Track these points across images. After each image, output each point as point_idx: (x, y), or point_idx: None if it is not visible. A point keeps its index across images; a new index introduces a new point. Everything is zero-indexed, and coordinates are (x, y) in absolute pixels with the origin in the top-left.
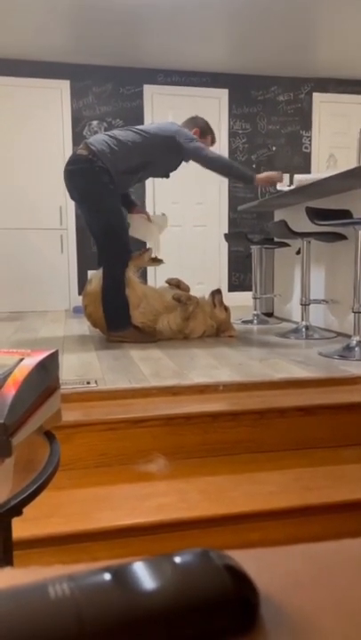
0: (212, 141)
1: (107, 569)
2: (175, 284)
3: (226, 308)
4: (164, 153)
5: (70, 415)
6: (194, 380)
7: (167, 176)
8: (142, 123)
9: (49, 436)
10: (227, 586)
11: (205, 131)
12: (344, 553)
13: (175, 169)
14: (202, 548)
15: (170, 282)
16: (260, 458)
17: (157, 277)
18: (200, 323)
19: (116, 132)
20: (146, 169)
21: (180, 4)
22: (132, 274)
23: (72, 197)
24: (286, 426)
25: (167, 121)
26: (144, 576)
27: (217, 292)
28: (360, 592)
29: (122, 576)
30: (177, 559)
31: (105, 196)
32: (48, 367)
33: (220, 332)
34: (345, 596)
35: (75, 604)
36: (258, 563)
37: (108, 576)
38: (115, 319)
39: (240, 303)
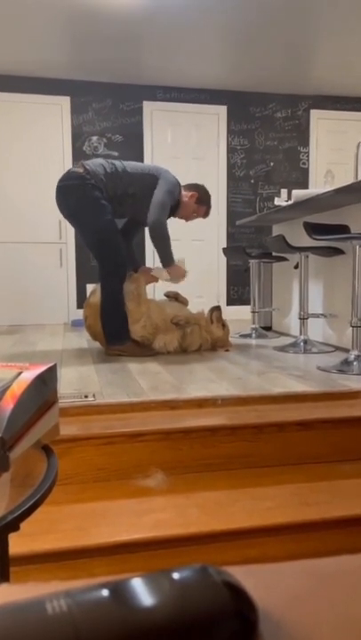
0: (205, 214)
1: (104, 585)
2: (173, 296)
3: (224, 325)
4: (148, 191)
5: (68, 429)
6: (192, 394)
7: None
8: (142, 139)
9: (47, 450)
10: (225, 602)
11: (204, 200)
12: (343, 568)
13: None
14: (200, 563)
15: (168, 294)
16: (258, 473)
17: (156, 289)
18: (197, 337)
19: (114, 160)
20: (131, 202)
21: (179, 21)
22: (142, 289)
23: (63, 214)
24: (285, 440)
25: (168, 171)
26: (142, 592)
27: (215, 309)
28: (358, 607)
29: (119, 592)
30: (175, 575)
31: (97, 211)
32: (46, 381)
33: (216, 346)
34: (344, 612)
35: (72, 620)
36: (257, 579)
37: (105, 592)
38: (113, 333)
39: (239, 317)
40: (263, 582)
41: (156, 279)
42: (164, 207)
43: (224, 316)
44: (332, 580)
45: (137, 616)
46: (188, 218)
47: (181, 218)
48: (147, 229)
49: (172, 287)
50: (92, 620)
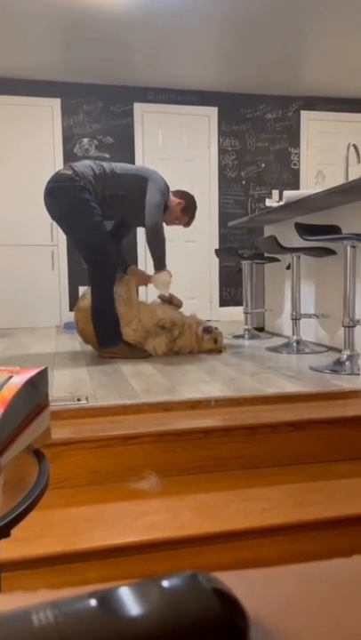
0: (187, 224)
1: (92, 595)
2: (167, 298)
3: (216, 341)
4: (137, 194)
5: (61, 432)
6: (185, 395)
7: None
8: (133, 140)
9: (38, 454)
10: (215, 610)
11: (189, 209)
12: (336, 573)
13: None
14: (191, 570)
15: (162, 297)
16: (252, 474)
17: (149, 291)
18: (187, 340)
19: (102, 162)
20: (121, 204)
21: (170, 23)
22: (132, 292)
23: (52, 216)
24: (278, 441)
25: (157, 172)
26: (130, 601)
27: (206, 332)
28: (352, 615)
29: (107, 602)
30: (164, 583)
31: (87, 213)
32: (37, 385)
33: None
34: (335, 620)
35: (58, 631)
36: (248, 585)
37: (93, 602)
38: (105, 336)
39: (231, 318)
40: (254, 588)
41: (146, 282)
42: (160, 207)
43: (217, 317)
44: (325, 586)
45: (125, 626)
46: (169, 222)
47: (163, 222)
48: (139, 230)
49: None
50: (78, 631)
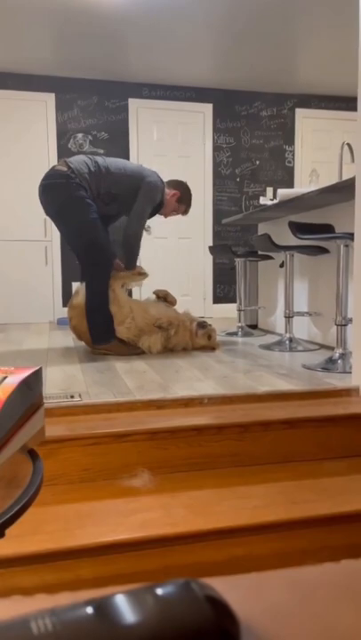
0: (184, 212)
1: (89, 602)
2: (163, 296)
3: (210, 336)
4: (131, 194)
5: (54, 430)
6: (178, 393)
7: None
8: (127, 136)
9: (32, 454)
10: (208, 617)
11: (184, 199)
12: (326, 579)
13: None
14: (184, 578)
15: (158, 294)
16: (245, 471)
17: (143, 288)
18: (181, 338)
19: (97, 157)
20: (115, 202)
21: (165, 19)
22: (118, 291)
23: (47, 213)
24: (271, 439)
25: (154, 170)
26: (126, 609)
27: (200, 327)
28: (343, 620)
29: (104, 610)
30: (159, 591)
31: (83, 210)
32: (31, 385)
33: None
34: (327, 625)
35: (57, 639)
36: (240, 590)
37: (90, 610)
38: (99, 333)
39: (225, 315)
40: (247, 594)
41: (132, 279)
42: (144, 217)
43: (211, 314)
44: (316, 592)
45: (121, 633)
46: (167, 215)
47: (160, 214)
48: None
49: (163, 285)
50: (76, 639)
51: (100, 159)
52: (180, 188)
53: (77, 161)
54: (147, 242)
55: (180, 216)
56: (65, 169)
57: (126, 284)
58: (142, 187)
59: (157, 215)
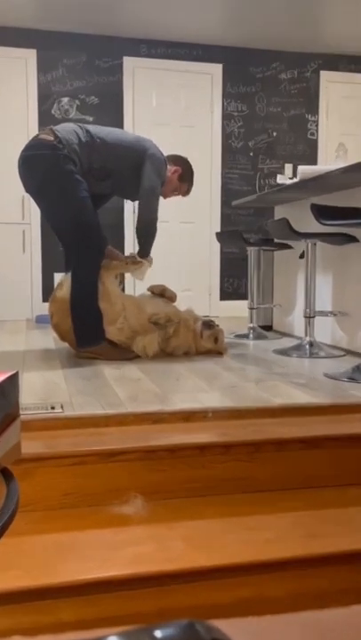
0: (186, 192)
1: None
2: (160, 292)
3: (217, 339)
4: (130, 170)
5: (31, 446)
6: (178, 405)
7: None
8: (121, 101)
9: (5, 474)
10: None
11: (186, 177)
12: (350, 623)
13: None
14: (187, 619)
15: (153, 290)
16: (255, 498)
17: (137, 283)
18: (183, 339)
19: (88, 126)
20: (109, 180)
21: None
22: (109, 284)
23: (27, 189)
24: (286, 461)
25: (155, 145)
26: None
27: (207, 327)
28: None
29: None
30: (158, 633)
31: (71, 186)
32: (6, 392)
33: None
34: None
35: None
36: (250, 635)
37: None
38: (85, 332)
39: (234, 314)
40: (257, 639)
41: (123, 268)
42: (158, 195)
43: (217, 313)
44: (337, 638)
45: None
46: (167, 195)
47: (160, 194)
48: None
49: (159, 280)
50: None
51: (92, 128)
52: (182, 163)
53: (66, 130)
54: None
55: (180, 197)
56: (51, 138)
57: (125, 274)
58: (147, 161)
59: None
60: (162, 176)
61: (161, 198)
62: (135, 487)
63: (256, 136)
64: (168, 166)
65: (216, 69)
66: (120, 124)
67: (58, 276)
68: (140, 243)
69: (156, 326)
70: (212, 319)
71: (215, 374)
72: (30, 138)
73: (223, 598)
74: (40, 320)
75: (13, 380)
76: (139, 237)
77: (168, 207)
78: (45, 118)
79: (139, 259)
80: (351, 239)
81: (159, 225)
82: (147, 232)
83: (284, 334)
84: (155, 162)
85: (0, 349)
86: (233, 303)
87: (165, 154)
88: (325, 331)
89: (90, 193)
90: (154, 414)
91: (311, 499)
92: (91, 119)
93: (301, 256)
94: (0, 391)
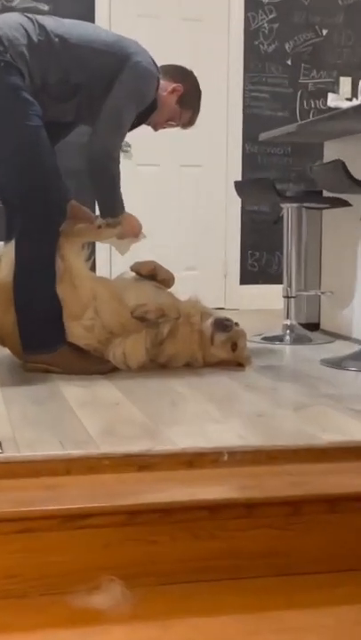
0: (189, 122)
1: None
2: (148, 273)
3: (235, 346)
4: (104, 85)
5: None
6: (177, 443)
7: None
8: None
9: None
10: None
11: (190, 99)
12: None
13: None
14: None
15: (139, 270)
16: (293, 585)
17: (116, 258)
18: (184, 343)
19: (43, 18)
20: (74, 99)
21: None
22: (73, 259)
23: None
24: (339, 528)
25: (143, 50)
26: None
27: (220, 327)
28: None
29: None
30: None
31: (16, 108)
32: None
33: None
34: None
35: None
36: None
37: None
38: (35, 332)
39: (261, 305)
40: None
41: (96, 235)
42: (122, 123)
43: (236, 304)
44: None
45: None
46: (158, 125)
47: (149, 125)
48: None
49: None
50: None
51: (48, 22)
52: (183, 79)
53: (8, 24)
54: (124, 171)
55: (178, 129)
56: None
57: (97, 243)
58: (125, 71)
59: (144, 126)
60: (142, 97)
61: (149, 129)
62: (112, 566)
63: (297, 34)
64: (163, 82)
65: None
66: (90, 17)
67: None
68: (97, 196)
69: (143, 324)
70: (229, 316)
71: (232, 396)
72: None
73: None
74: None
75: None
76: (93, 183)
77: (160, 143)
78: None
79: (111, 220)
80: None
81: (148, 171)
82: (99, 171)
83: (337, 336)
84: (137, 73)
85: None
86: (260, 289)
87: (159, 63)
88: None
89: (44, 120)
90: (140, 457)
91: None
92: (46, 8)
93: None
94: None
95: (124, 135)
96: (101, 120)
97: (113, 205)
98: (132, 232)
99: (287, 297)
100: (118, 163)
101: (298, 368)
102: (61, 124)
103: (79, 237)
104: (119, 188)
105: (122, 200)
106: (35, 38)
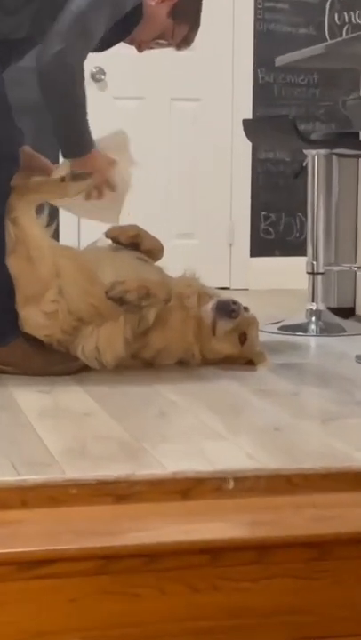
0: (185, 42)
1: None
2: (129, 240)
3: (244, 336)
4: None
5: None
6: (167, 465)
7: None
8: None
9: None
10: None
11: (185, 12)
12: None
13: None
14: None
15: (117, 237)
16: None
17: (86, 222)
18: (175, 335)
19: None
20: (25, 9)
21: None
22: (29, 223)
23: None
24: None
25: None
26: None
27: (224, 312)
28: None
29: None
30: None
31: None
32: None
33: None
34: None
35: None
36: None
37: None
38: None
39: (277, 284)
40: None
41: (59, 190)
42: (89, 29)
43: (245, 283)
44: None
45: None
46: (144, 44)
47: (132, 44)
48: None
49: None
50: None
51: None
52: None
53: None
54: (96, 107)
55: (172, 50)
56: None
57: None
58: None
59: (123, 45)
60: (117, 4)
61: (133, 49)
62: (80, 628)
63: None
64: None
65: None
66: None
67: None
68: (55, 128)
69: (122, 308)
70: (236, 298)
71: (240, 405)
72: None
73: None
74: None
75: None
76: (51, 113)
77: (145, 70)
78: None
79: (76, 170)
80: None
81: (128, 105)
82: (59, 96)
83: None
84: None
85: None
86: (277, 263)
87: None
88: None
89: None
90: (117, 484)
91: None
92: None
93: None
94: None
95: (89, 46)
96: (58, 22)
97: (78, 140)
98: (101, 177)
99: (313, 273)
100: (83, 80)
101: (326, 367)
102: (11, 41)
103: (36, 194)
104: (85, 116)
105: (90, 134)
106: None
